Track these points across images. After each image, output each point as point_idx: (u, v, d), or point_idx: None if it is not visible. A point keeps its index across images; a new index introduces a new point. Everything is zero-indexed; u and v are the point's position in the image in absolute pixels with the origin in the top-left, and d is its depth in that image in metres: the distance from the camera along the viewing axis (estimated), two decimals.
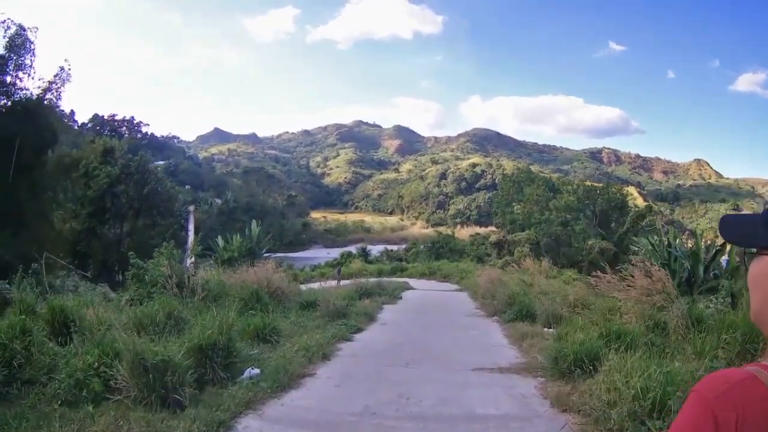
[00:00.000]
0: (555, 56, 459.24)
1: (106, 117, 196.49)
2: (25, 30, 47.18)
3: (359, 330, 18.99)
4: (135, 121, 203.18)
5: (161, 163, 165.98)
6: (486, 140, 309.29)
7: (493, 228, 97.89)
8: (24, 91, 48.45)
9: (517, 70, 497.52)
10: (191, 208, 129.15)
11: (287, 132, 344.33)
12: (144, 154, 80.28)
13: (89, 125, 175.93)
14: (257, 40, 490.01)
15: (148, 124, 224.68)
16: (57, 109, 55.28)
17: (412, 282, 42.77)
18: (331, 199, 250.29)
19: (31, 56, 47.83)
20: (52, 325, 12.75)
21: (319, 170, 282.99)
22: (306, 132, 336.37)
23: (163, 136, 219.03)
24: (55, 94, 50.35)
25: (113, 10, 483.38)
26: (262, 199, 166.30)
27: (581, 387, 10.22)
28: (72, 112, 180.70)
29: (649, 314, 14.56)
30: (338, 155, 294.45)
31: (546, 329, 17.74)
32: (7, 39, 46.66)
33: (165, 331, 13.45)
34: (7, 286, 17.92)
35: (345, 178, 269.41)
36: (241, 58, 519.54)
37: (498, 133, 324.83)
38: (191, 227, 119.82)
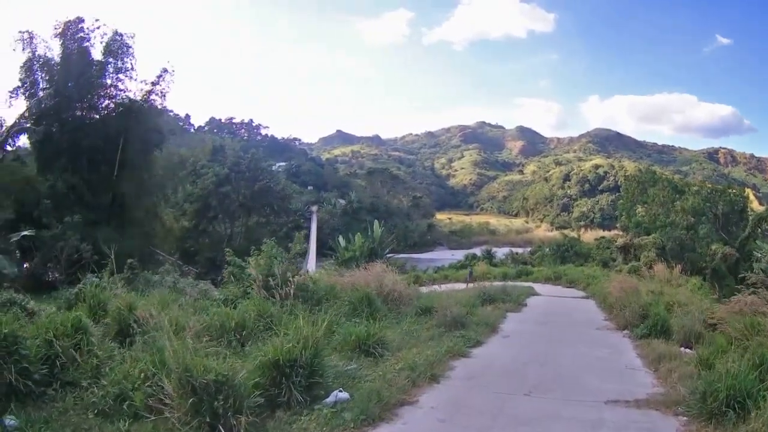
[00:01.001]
0: (666, 52, 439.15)
1: (222, 120, 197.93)
2: (121, 35, 48.94)
3: (478, 343, 17.35)
4: (254, 124, 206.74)
5: (282, 164, 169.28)
6: (607, 141, 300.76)
7: (617, 231, 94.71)
8: (126, 93, 50.00)
9: (631, 67, 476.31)
10: (314, 208, 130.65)
11: (410, 134, 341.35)
12: (256, 151, 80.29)
13: (205, 128, 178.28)
14: (374, 43, 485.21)
15: (267, 127, 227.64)
16: (164, 110, 57.92)
17: (537, 287, 40.77)
18: (457, 201, 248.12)
19: (131, 59, 49.44)
20: (119, 324, 12.62)
21: (444, 172, 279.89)
22: (430, 133, 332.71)
23: (283, 138, 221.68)
24: (160, 94, 51.99)
25: (228, 17, 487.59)
26: (387, 200, 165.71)
27: None
28: (187, 116, 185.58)
29: None
30: (462, 156, 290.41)
31: (683, 349, 15.83)
32: (103, 45, 48.45)
33: (248, 338, 13.13)
34: (95, 279, 17.78)
35: (470, 179, 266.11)
36: (359, 61, 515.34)
37: (618, 134, 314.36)
38: (314, 227, 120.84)
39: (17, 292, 17.82)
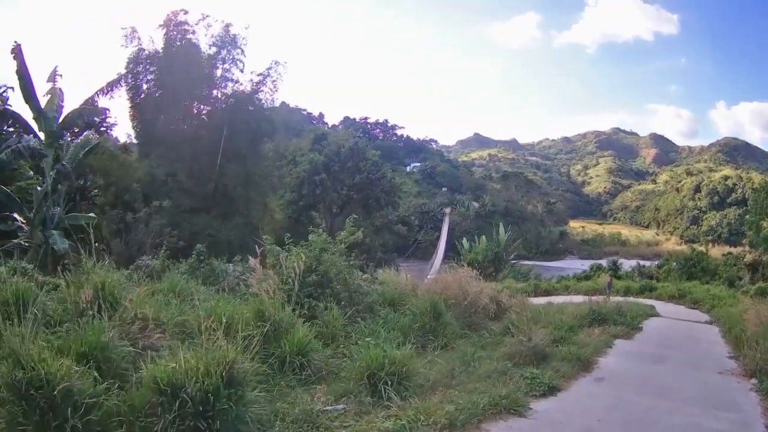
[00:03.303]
0: None
1: (357, 119, 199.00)
2: (228, 27, 49.94)
3: (551, 391, 12.21)
4: (389, 124, 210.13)
5: (417, 164, 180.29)
6: (736, 150, 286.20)
7: (742, 248, 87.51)
8: (235, 84, 51.21)
9: (754, 71, 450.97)
10: (447, 210, 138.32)
11: (547, 138, 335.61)
12: (360, 140, 78.32)
13: (340, 127, 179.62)
14: (507, 46, 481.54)
15: (403, 127, 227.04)
16: (273, 102, 57.66)
17: (659, 306, 34.53)
18: (591, 209, 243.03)
19: (239, 51, 50.35)
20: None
21: (580, 178, 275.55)
22: (566, 139, 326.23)
23: (419, 139, 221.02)
24: (271, 86, 52.10)
25: (365, 20, 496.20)
26: (522, 204, 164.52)
27: None
28: (321, 114, 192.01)
29: None
30: (598, 164, 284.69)
31: None
32: (208, 37, 49.76)
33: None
34: (148, 263, 18.41)
35: (604, 187, 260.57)
36: (493, 64, 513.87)
37: (747, 143, 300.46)
38: (445, 229, 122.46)
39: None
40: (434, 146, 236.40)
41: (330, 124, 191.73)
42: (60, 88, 36.00)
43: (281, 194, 65.50)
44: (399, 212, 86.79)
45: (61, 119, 35.62)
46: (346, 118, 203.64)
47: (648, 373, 15.55)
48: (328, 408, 9.23)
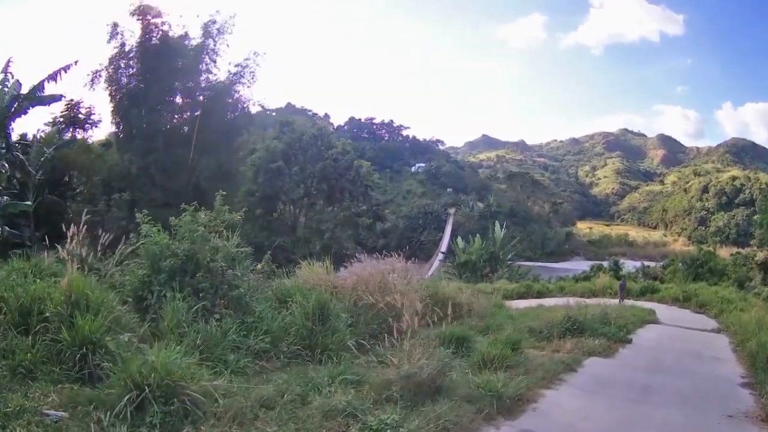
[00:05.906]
0: None
1: (362, 119, 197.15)
2: (214, 20, 47.85)
3: None
4: (395, 125, 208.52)
5: (422, 164, 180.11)
6: (743, 151, 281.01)
7: (752, 248, 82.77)
8: (211, 76, 49.06)
9: (759, 71, 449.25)
10: (451, 210, 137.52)
11: (555, 140, 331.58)
12: (324, 127, 74.89)
13: (345, 127, 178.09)
14: (514, 48, 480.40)
15: (409, 127, 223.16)
16: (250, 94, 53.33)
17: (660, 310, 29.59)
18: (599, 210, 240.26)
19: (214, 42, 48.37)
20: None
21: (588, 179, 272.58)
22: (574, 140, 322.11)
23: (425, 140, 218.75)
24: (249, 79, 49.81)
25: (372, 26, 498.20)
26: (528, 205, 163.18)
27: None
28: (326, 115, 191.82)
29: None
30: (606, 165, 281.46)
31: None
32: (183, 27, 47.92)
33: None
34: (76, 252, 15.34)
35: (612, 188, 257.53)
36: (501, 66, 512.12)
37: (754, 144, 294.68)
38: (449, 229, 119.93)
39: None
40: (441, 147, 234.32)
41: (336, 125, 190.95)
42: (18, 80, 35.34)
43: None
44: (373, 204, 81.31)
45: (14, 107, 34.94)
46: (352, 119, 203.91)
47: (614, 423, 9.96)
48: (50, 412, 7.34)
